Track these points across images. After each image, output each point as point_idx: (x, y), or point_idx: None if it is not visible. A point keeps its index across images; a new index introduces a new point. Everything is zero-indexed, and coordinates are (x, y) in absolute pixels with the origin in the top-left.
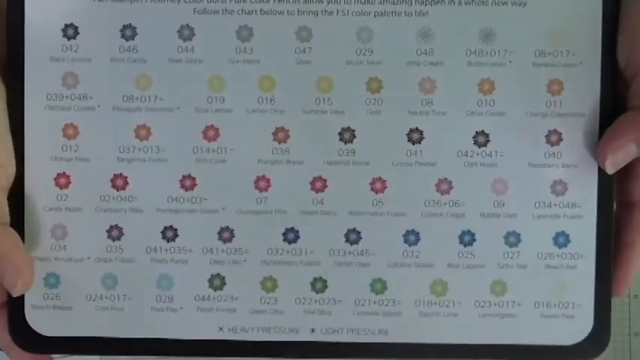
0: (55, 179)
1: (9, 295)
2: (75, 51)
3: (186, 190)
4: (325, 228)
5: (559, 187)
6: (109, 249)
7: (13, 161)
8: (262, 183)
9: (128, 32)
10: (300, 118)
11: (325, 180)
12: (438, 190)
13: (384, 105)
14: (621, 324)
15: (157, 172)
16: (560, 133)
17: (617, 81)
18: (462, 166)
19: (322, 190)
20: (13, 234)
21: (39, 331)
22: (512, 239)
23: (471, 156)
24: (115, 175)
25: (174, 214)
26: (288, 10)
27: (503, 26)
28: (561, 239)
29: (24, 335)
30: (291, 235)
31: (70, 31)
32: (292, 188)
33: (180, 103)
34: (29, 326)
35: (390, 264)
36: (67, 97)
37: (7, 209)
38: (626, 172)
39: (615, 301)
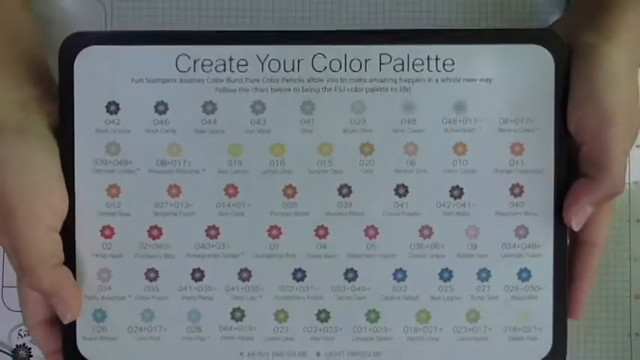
0: (101, 231)
1: (63, 328)
2: (117, 124)
3: (211, 239)
4: (328, 268)
5: (522, 232)
6: (146, 289)
7: (66, 204)
8: (274, 231)
9: (161, 108)
10: (306, 177)
11: (327, 228)
12: (421, 236)
13: (375, 165)
14: (622, 324)
15: (186, 224)
16: (522, 187)
17: (569, 142)
18: (440, 215)
19: (325, 237)
20: (67, 272)
21: (89, 358)
22: (484, 275)
23: (448, 207)
24: (151, 226)
25: (201, 259)
26: (294, 88)
27: (473, 99)
28: (524, 274)
29: None
30: (299, 275)
31: (113, 107)
32: (300, 236)
33: (205, 166)
34: (80, 354)
35: (382, 297)
36: (110, 163)
37: (61, 250)
38: None
39: (616, 301)
